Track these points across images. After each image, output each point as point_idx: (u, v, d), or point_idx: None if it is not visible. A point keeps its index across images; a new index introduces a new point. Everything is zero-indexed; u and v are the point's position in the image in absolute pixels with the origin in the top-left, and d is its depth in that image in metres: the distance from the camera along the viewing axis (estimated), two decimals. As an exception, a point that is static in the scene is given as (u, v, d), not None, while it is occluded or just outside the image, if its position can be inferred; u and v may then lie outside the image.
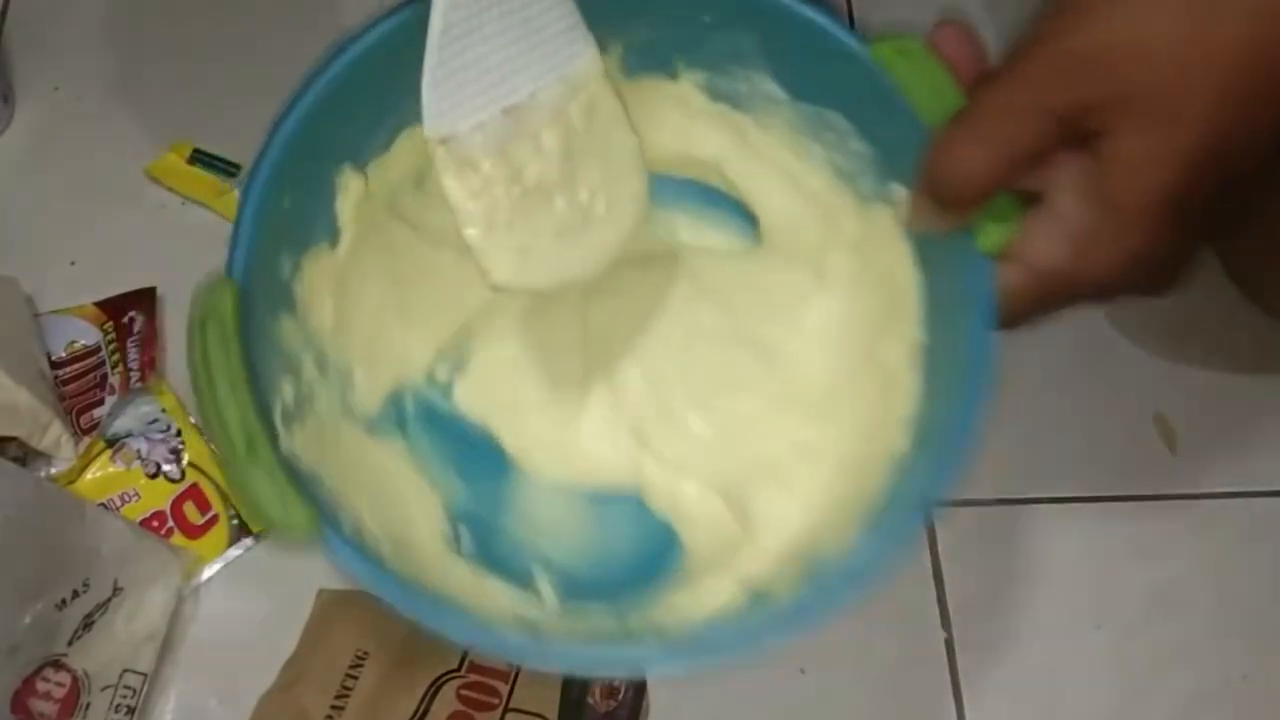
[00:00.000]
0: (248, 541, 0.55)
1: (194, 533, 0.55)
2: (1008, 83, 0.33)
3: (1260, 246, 0.54)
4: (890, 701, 0.54)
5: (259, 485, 0.35)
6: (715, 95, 0.45)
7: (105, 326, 0.59)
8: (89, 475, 0.55)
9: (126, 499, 0.55)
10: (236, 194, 0.62)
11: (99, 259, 0.63)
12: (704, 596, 0.41)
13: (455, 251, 0.43)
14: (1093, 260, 0.34)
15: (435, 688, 0.50)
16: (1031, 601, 0.55)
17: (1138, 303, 0.36)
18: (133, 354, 0.59)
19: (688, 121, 0.46)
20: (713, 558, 0.43)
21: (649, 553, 0.45)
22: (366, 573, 0.35)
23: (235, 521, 0.56)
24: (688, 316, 0.47)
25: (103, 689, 0.50)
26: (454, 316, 0.47)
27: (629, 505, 0.46)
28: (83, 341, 0.59)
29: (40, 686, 0.49)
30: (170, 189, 0.64)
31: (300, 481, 0.36)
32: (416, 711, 0.50)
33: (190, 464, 0.56)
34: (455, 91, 0.36)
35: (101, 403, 0.57)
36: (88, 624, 0.50)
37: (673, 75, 0.45)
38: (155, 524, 0.55)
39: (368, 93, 0.40)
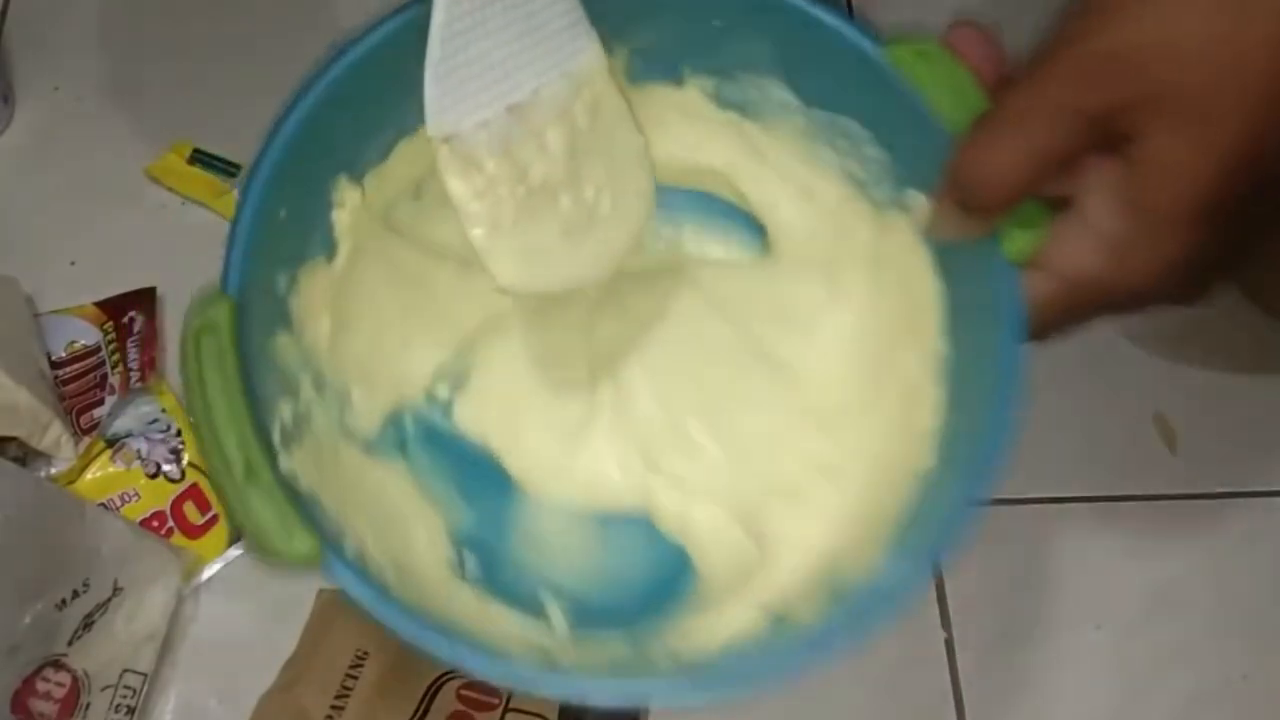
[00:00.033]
0: (248, 541, 0.58)
1: (194, 533, 0.54)
2: (1036, 83, 0.32)
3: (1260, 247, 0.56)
4: (890, 701, 0.52)
5: (259, 508, 0.33)
6: (723, 102, 0.44)
7: (105, 326, 0.58)
8: (89, 475, 0.54)
9: (126, 499, 0.54)
10: (236, 194, 0.60)
11: (99, 259, 0.61)
12: (722, 622, 0.39)
13: (455, 265, 0.42)
14: (1126, 267, 0.32)
15: (435, 688, 0.49)
16: (1031, 602, 0.54)
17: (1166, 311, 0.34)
18: (133, 354, 0.57)
19: (694, 130, 0.45)
20: (729, 581, 0.41)
21: (662, 577, 0.43)
22: (373, 600, 0.33)
23: (235, 522, 0.57)
24: (696, 332, 0.45)
25: (103, 689, 0.49)
26: (454, 333, 0.46)
27: (638, 527, 0.44)
28: (83, 341, 0.58)
29: (40, 686, 0.48)
30: (170, 189, 0.61)
31: (301, 504, 0.34)
32: (416, 711, 0.49)
33: (190, 464, 0.54)
34: (458, 88, 0.35)
35: (101, 403, 0.56)
36: (88, 624, 0.49)
37: (679, 82, 0.43)
38: (155, 524, 0.54)
39: (364, 101, 0.39)
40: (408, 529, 0.41)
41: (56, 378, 0.57)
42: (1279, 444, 0.57)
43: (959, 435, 0.37)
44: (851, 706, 0.52)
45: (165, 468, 0.55)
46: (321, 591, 0.52)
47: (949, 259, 0.38)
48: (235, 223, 0.37)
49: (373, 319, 0.43)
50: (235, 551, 0.54)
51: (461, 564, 0.42)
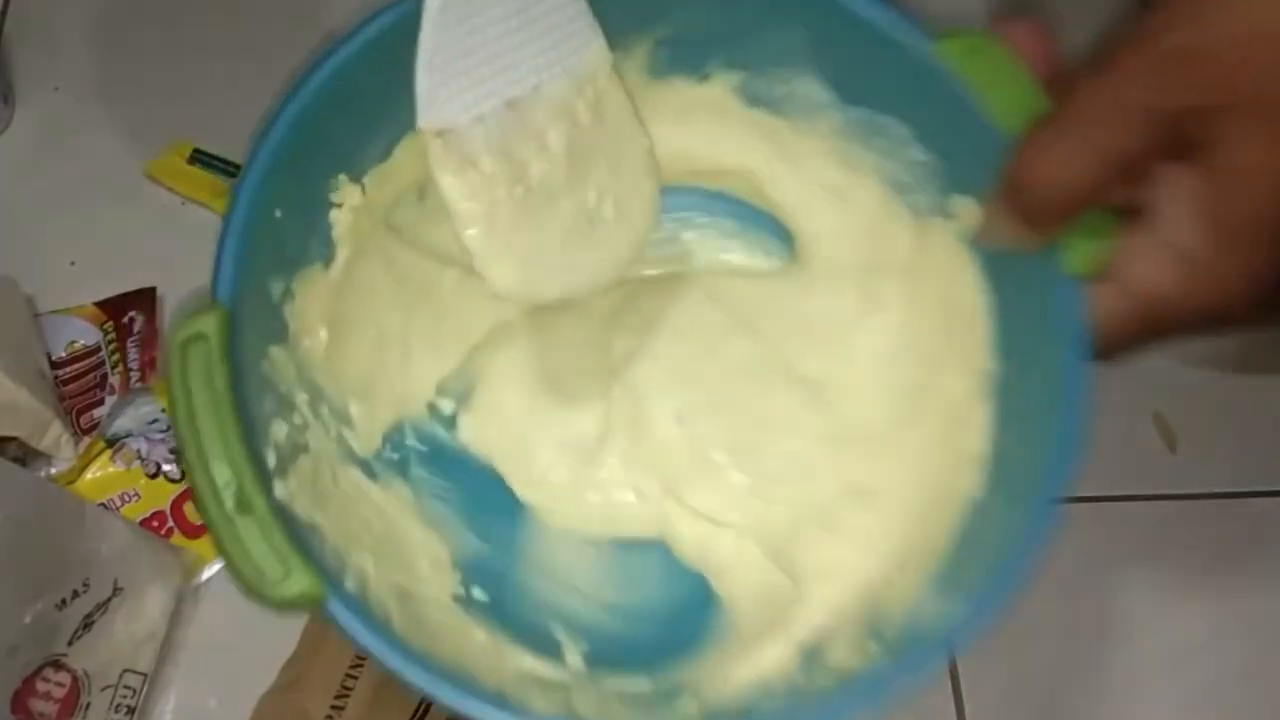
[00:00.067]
0: (248, 541, 0.56)
1: (194, 533, 0.52)
2: (1105, 81, 0.28)
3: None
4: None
5: (252, 541, 0.30)
6: (751, 99, 0.40)
7: (105, 326, 0.56)
8: (89, 475, 0.52)
9: (126, 499, 0.52)
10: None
11: (99, 259, 0.58)
12: (751, 660, 0.36)
13: (460, 270, 0.39)
14: (1204, 284, 0.29)
15: (436, 688, 0.51)
16: (1031, 602, 0.56)
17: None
18: (133, 354, 0.55)
19: (719, 128, 0.41)
20: (757, 615, 0.38)
21: (684, 610, 0.39)
22: (381, 648, 0.30)
23: (235, 522, 0.56)
24: (718, 347, 0.42)
25: (103, 689, 0.48)
26: (459, 343, 0.42)
27: (658, 555, 0.40)
28: (83, 341, 0.56)
29: (40, 686, 0.46)
30: (170, 189, 0.59)
31: (298, 536, 0.31)
32: (417, 712, 0.48)
33: (191, 464, 0.56)
34: (453, 80, 0.32)
35: (101, 403, 0.54)
36: (88, 624, 0.47)
37: (704, 77, 0.40)
38: (155, 524, 0.52)
39: (365, 94, 0.35)
40: (411, 559, 0.38)
41: (56, 378, 0.55)
42: (1279, 444, 0.56)
43: (1012, 462, 0.33)
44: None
45: (165, 468, 0.53)
46: (322, 591, 0.52)
47: (999, 270, 0.35)
48: (226, 223, 0.34)
49: (373, 329, 0.40)
50: (235, 552, 0.54)
51: (469, 596, 0.38)
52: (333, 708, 0.48)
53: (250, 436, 0.31)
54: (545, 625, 0.38)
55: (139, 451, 0.53)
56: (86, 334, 0.57)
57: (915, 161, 0.37)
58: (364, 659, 0.48)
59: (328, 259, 0.38)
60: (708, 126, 0.41)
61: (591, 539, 0.41)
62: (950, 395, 0.37)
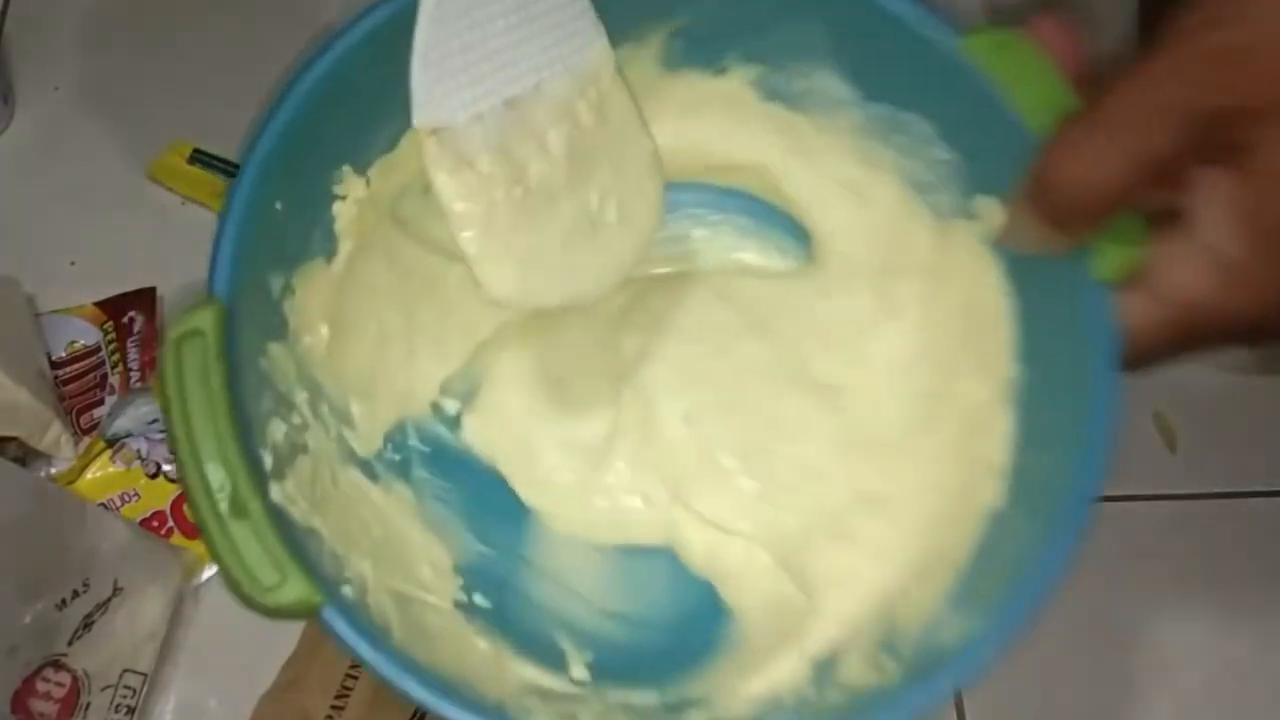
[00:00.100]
0: (248, 541, 0.56)
1: (194, 533, 0.52)
2: (1141, 80, 0.27)
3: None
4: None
5: (246, 546, 0.29)
6: (769, 94, 0.39)
7: (105, 326, 0.56)
8: (89, 475, 0.52)
9: (126, 499, 0.52)
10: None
11: (99, 259, 0.58)
12: (762, 674, 0.34)
13: (466, 266, 0.34)
14: (1243, 292, 0.28)
15: (436, 688, 0.51)
16: None
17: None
18: (133, 354, 0.55)
19: (734, 123, 0.40)
20: (768, 626, 0.36)
21: (693, 619, 0.38)
22: (380, 662, 0.29)
23: (235, 522, 0.56)
24: (730, 349, 0.40)
25: (103, 689, 0.48)
26: (465, 341, 0.41)
27: (665, 560, 0.39)
28: (83, 341, 0.56)
29: (40, 686, 0.46)
30: (170, 189, 0.59)
31: (295, 541, 0.29)
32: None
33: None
34: (450, 76, 0.31)
35: (101, 403, 0.54)
36: (88, 624, 0.47)
37: (721, 70, 0.38)
38: (155, 524, 0.52)
39: (369, 83, 0.33)
40: (412, 563, 0.37)
41: (56, 378, 0.54)
42: (1279, 444, 0.56)
43: (1035, 473, 0.32)
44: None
45: (165, 468, 0.52)
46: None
47: (1024, 274, 0.33)
48: (224, 216, 0.32)
49: (376, 325, 0.39)
50: (235, 552, 0.54)
51: (470, 602, 0.37)
52: (333, 708, 0.48)
53: (246, 436, 0.30)
54: (549, 634, 0.37)
55: (139, 451, 0.53)
56: (86, 334, 0.56)
57: (937, 160, 0.36)
58: (364, 659, 0.48)
59: (330, 253, 0.37)
60: (723, 121, 0.40)
61: (597, 544, 0.39)
62: (970, 402, 0.35)
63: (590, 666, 0.36)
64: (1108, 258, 0.29)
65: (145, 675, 0.49)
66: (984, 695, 0.51)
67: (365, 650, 0.29)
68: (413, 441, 0.40)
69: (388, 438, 0.39)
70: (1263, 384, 0.57)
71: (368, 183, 0.37)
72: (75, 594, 0.47)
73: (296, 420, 0.35)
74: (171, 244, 0.59)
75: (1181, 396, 0.56)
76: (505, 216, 0.32)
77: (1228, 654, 0.52)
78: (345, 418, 0.38)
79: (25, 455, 0.52)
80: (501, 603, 0.37)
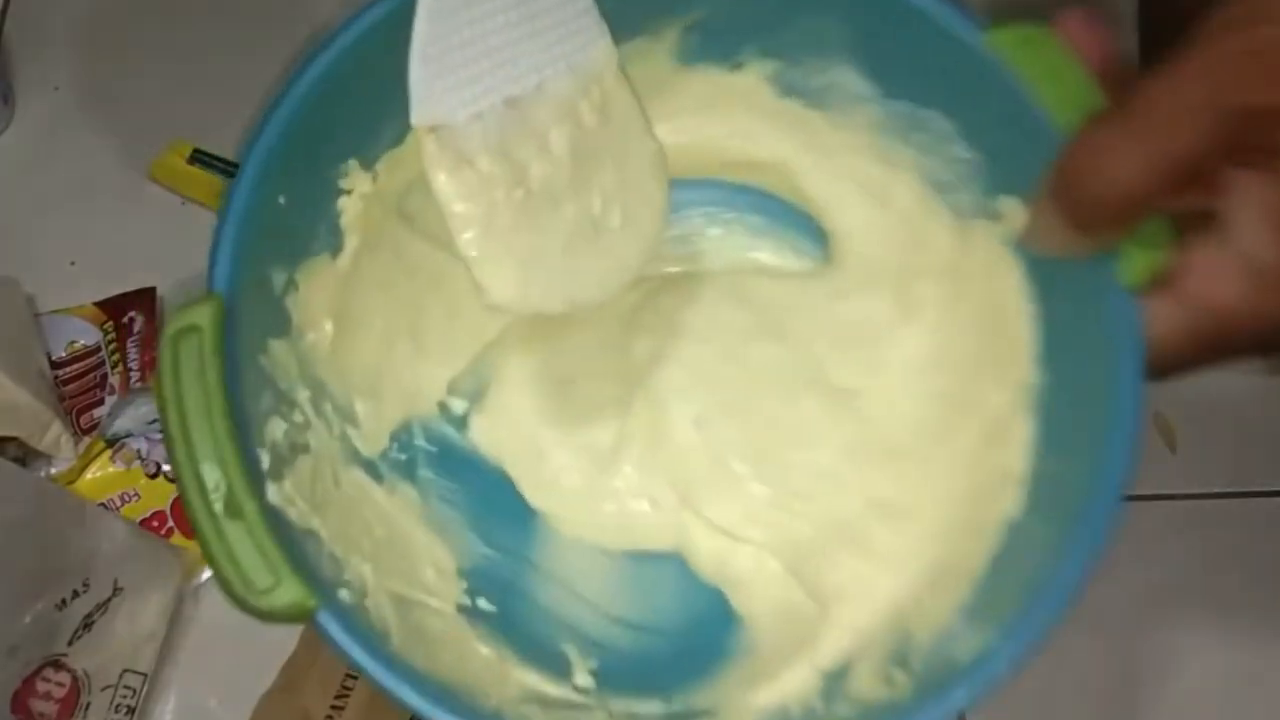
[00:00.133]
0: (248, 542, 0.55)
1: (194, 532, 0.57)
2: (1172, 79, 0.26)
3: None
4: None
5: (241, 549, 0.28)
6: (785, 89, 0.38)
7: (105, 326, 0.55)
8: (89, 475, 0.52)
9: (126, 499, 0.52)
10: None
11: (99, 259, 0.58)
12: (771, 684, 0.34)
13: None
14: (1276, 298, 0.27)
15: (436, 688, 0.51)
16: None
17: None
18: (133, 354, 0.55)
19: (750, 120, 0.39)
20: (777, 635, 0.36)
21: (701, 624, 0.37)
22: (377, 668, 0.29)
23: (235, 522, 0.55)
24: (744, 351, 0.39)
25: (103, 689, 0.47)
26: (472, 339, 0.40)
27: (674, 565, 0.38)
28: (83, 341, 0.55)
29: (40, 686, 0.46)
30: (170, 189, 0.59)
31: (291, 544, 0.29)
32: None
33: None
34: (449, 73, 0.30)
35: (101, 403, 0.54)
36: (88, 624, 0.47)
37: (737, 66, 0.38)
38: (155, 524, 0.51)
39: (375, 76, 0.32)
40: (414, 565, 0.36)
41: (56, 378, 0.54)
42: (1279, 444, 0.55)
43: (1056, 482, 0.31)
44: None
45: (165, 468, 0.52)
46: (322, 592, 0.52)
47: (1046, 277, 0.32)
48: (225, 210, 0.31)
49: (382, 322, 0.38)
50: (235, 552, 0.54)
51: (474, 606, 0.36)
52: (332, 708, 0.48)
53: (244, 435, 0.29)
54: (553, 639, 0.36)
55: (139, 451, 0.53)
56: (86, 334, 0.56)
57: (958, 159, 0.35)
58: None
59: (335, 249, 0.36)
60: (738, 117, 0.39)
61: (605, 549, 0.39)
62: (989, 408, 0.34)
63: (595, 674, 0.35)
64: (1133, 261, 0.28)
65: (145, 675, 0.49)
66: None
67: (360, 655, 0.28)
68: (419, 441, 0.39)
69: (393, 437, 0.38)
70: (1262, 384, 0.57)
71: (374, 178, 0.36)
72: (75, 594, 0.47)
73: (298, 419, 0.34)
74: (171, 244, 0.59)
75: (1181, 396, 0.56)
76: (506, 218, 0.31)
77: (1228, 654, 0.52)
78: (349, 416, 0.37)
79: (25, 455, 0.52)
80: (506, 607, 0.37)
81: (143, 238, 0.59)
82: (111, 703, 0.48)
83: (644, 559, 0.38)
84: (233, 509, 0.28)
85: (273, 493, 0.30)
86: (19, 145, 0.62)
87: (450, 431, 0.40)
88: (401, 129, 0.36)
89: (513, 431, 0.40)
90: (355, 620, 0.29)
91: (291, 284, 0.34)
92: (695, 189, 0.39)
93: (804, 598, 0.36)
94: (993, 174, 0.34)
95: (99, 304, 0.57)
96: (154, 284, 0.57)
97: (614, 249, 0.33)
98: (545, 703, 0.33)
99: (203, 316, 0.30)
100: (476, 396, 0.40)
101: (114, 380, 0.55)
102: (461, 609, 0.36)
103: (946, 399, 0.36)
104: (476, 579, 0.37)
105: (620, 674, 0.35)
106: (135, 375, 0.55)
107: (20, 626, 0.45)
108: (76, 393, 0.55)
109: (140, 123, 0.62)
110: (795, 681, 0.33)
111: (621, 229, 0.33)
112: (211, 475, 0.28)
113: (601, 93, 0.33)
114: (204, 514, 0.28)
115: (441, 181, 0.30)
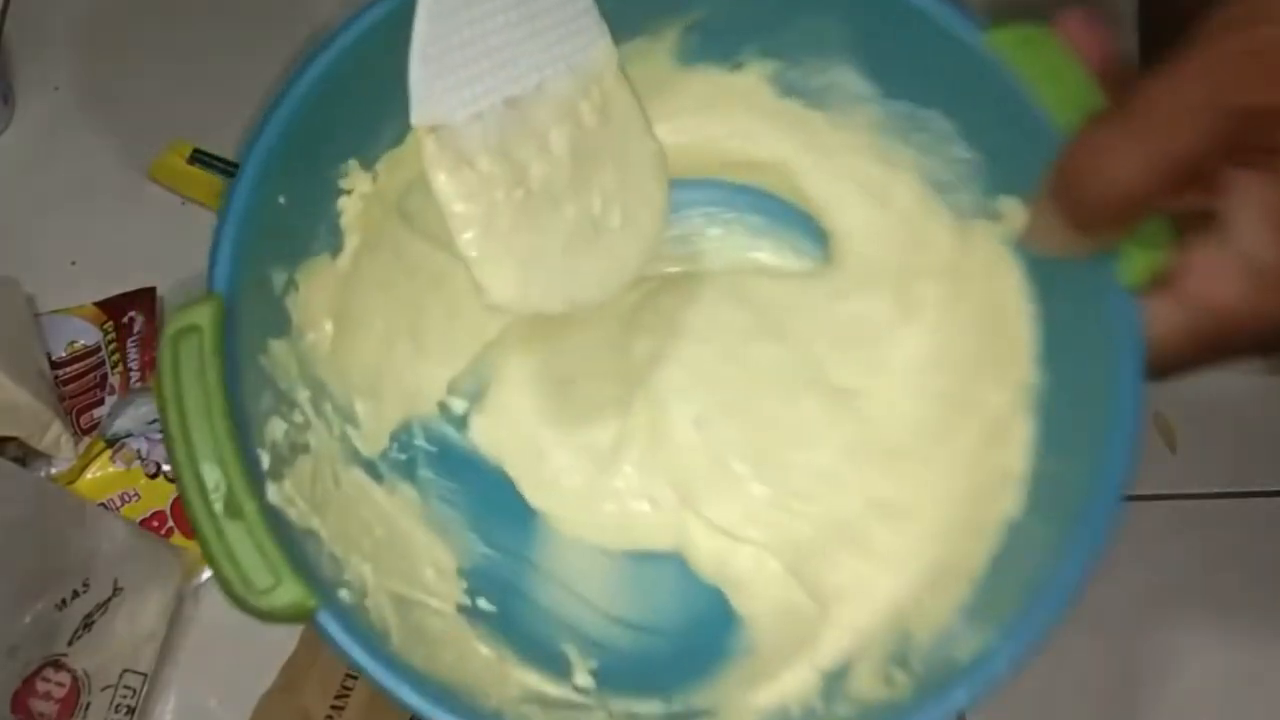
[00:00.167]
0: (248, 542, 0.55)
1: (194, 532, 0.57)
2: (1173, 78, 0.25)
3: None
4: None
5: (241, 549, 0.28)
6: (785, 89, 0.38)
7: (105, 326, 0.55)
8: (89, 475, 0.51)
9: (126, 499, 0.52)
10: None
11: (99, 259, 0.58)
12: (771, 684, 0.34)
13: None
14: (1276, 298, 0.27)
15: (436, 688, 0.50)
16: None
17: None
18: (133, 354, 0.55)
19: (750, 120, 0.39)
20: (779, 634, 0.36)
21: (702, 624, 0.37)
22: (376, 668, 0.28)
23: (235, 522, 0.55)
24: (744, 351, 0.39)
25: (103, 689, 0.47)
26: (473, 339, 0.40)
27: (674, 565, 0.38)
28: (83, 341, 0.55)
29: (40, 686, 0.46)
30: (170, 189, 0.59)
31: (291, 543, 0.29)
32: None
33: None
34: (449, 73, 0.30)
35: (101, 403, 0.54)
36: (88, 624, 0.47)
37: (737, 66, 0.38)
38: (155, 524, 0.51)
39: (375, 76, 0.32)
40: (414, 565, 0.36)
41: (56, 378, 0.54)
42: (1279, 444, 0.55)
43: (1054, 483, 0.31)
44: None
45: (165, 468, 0.51)
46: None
47: (1046, 278, 0.32)
48: (225, 210, 0.31)
49: (382, 322, 0.38)
50: (235, 552, 0.54)
51: (474, 606, 0.36)
52: (333, 708, 0.48)
53: (244, 435, 0.29)
54: (554, 639, 0.36)
55: (139, 451, 0.53)
56: (86, 334, 0.56)
57: (958, 159, 0.35)
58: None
59: (335, 248, 0.36)
60: (738, 117, 0.39)
61: (605, 548, 0.39)
62: (989, 408, 0.34)
63: (595, 674, 0.35)
64: (1133, 261, 0.28)
65: (145, 675, 0.49)
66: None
67: (360, 655, 0.28)
68: (419, 441, 0.39)
69: (393, 437, 0.38)
70: (1262, 384, 0.57)
71: (374, 178, 0.36)
72: (75, 594, 0.47)
73: (298, 419, 0.34)
74: (171, 244, 0.59)
75: (1181, 396, 0.56)
76: (506, 218, 0.31)
77: (1228, 654, 0.52)
78: (349, 416, 0.37)
79: (25, 455, 0.52)
80: (506, 607, 0.36)
81: (143, 238, 0.59)
82: (111, 703, 0.48)
83: (644, 559, 0.38)
84: (233, 509, 0.28)
85: (273, 493, 0.30)
86: (19, 145, 0.62)
87: (450, 431, 0.40)
88: (401, 129, 0.35)
89: (512, 431, 0.40)
90: (355, 620, 0.29)
91: (291, 284, 0.34)
92: (695, 189, 0.39)
93: (804, 598, 0.36)
94: (993, 174, 0.34)
95: (99, 304, 0.57)
96: (154, 284, 0.57)
97: (614, 249, 0.33)
98: (545, 703, 0.33)
99: (203, 316, 0.30)
100: (476, 396, 0.40)
101: (114, 380, 0.55)
102: (461, 609, 0.36)
103: (946, 399, 0.36)
104: (476, 579, 0.37)
105: (620, 674, 0.35)
106: (135, 375, 0.55)
107: (20, 626, 0.45)
108: (76, 393, 0.54)
109: (140, 123, 0.62)
110: (795, 681, 0.33)
111: (621, 229, 0.33)
112: (211, 475, 0.28)
113: (601, 93, 0.33)
114: (204, 514, 0.28)
115: (441, 181, 0.30)
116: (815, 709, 0.32)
